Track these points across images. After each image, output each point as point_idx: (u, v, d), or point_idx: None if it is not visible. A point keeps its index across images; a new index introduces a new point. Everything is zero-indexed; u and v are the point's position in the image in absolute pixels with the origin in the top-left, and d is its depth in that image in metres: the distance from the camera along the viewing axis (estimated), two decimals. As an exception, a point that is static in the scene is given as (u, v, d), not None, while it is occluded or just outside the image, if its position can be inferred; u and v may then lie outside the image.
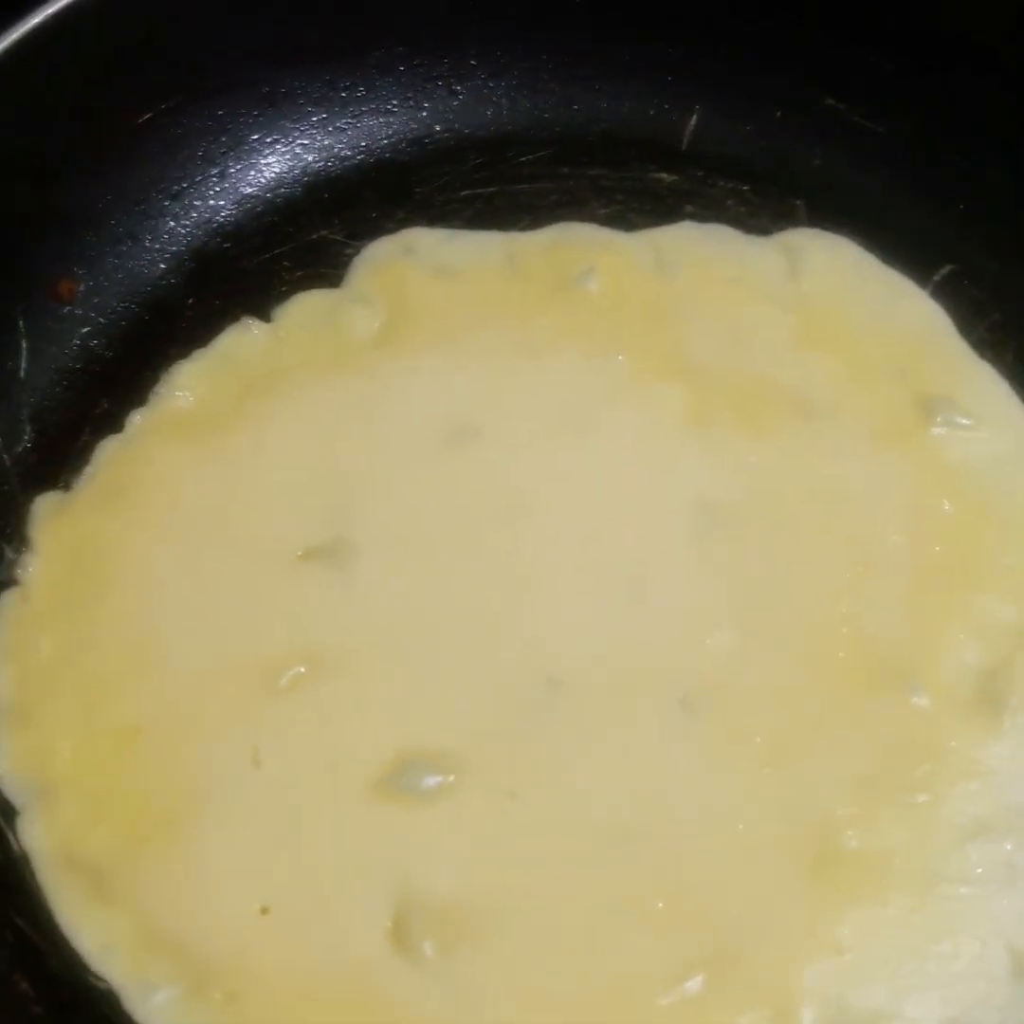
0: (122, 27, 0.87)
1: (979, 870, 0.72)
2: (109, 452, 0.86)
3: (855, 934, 0.70)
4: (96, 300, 0.91)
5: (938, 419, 0.85)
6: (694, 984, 0.70)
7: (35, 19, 0.83)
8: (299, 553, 0.81)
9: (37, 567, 0.82)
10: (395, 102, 0.98)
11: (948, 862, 0.72)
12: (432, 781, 0.74)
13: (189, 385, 0.88)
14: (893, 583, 0.80)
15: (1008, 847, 0.73)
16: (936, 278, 0.91)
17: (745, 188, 0.96)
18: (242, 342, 0.89)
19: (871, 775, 0.75)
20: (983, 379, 0.87)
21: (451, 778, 0.75)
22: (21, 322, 0.88)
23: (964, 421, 0.85)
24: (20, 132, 0.85)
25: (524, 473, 0.84)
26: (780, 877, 0.72)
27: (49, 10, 0.83)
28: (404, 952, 0.70)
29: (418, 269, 0.92)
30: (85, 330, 0.90)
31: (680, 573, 0.81)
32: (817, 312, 0.90)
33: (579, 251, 0.93)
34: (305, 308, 0.91)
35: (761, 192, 0.96)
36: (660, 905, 0.71)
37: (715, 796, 0.74)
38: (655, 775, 0.75)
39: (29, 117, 0.85)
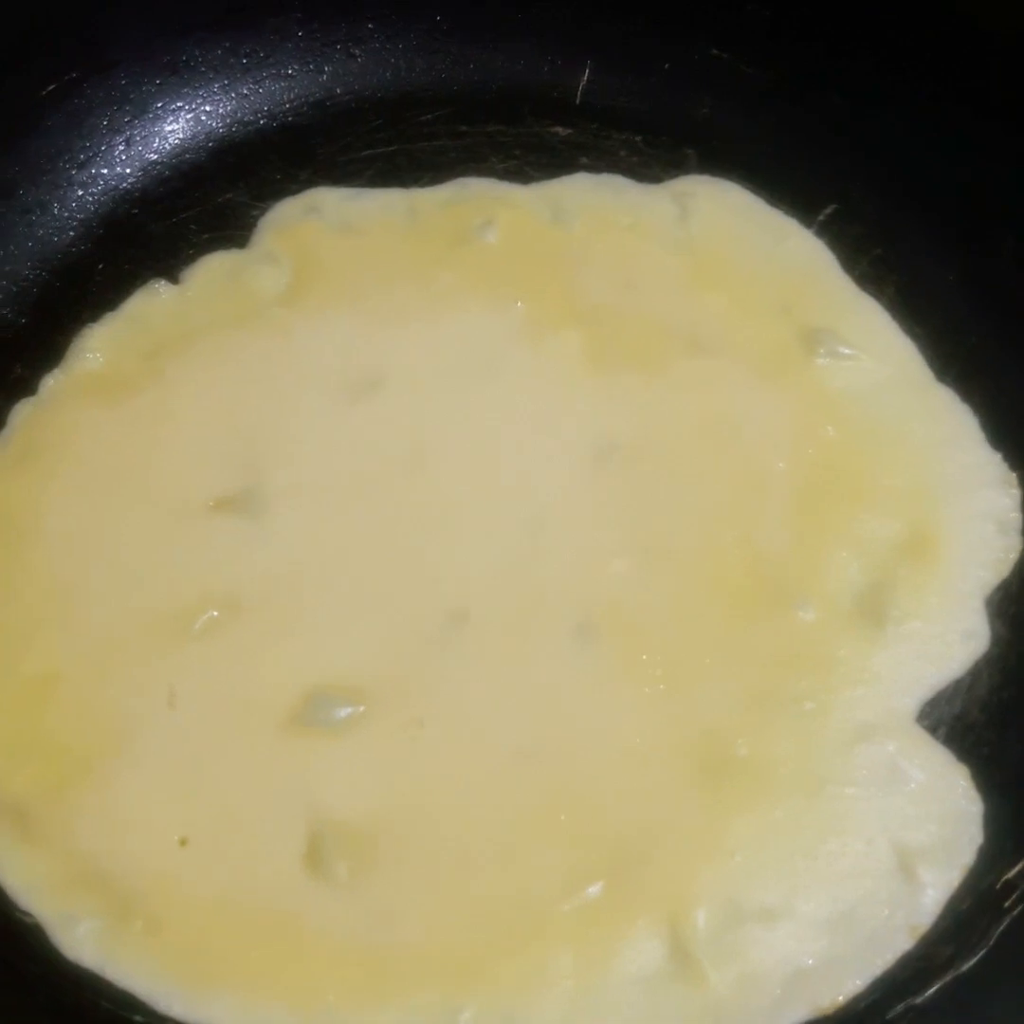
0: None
1: (864, 772, 0.76)
2: (23, 415, 0.88)
3: (746, 837, 0.74)
4: (7, 268, 0.93)
5: (821, 350, 0.88)
6: (594, 890, 0.73)
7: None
8: (211, 504, 0.84)
9: (-46, 526, 0.84)
10: (295, 67, 1.01)
11: (834, 766, 0.76)
12: (342, 713, 0.78)
13: (100, 347, 0.90)
14: (780, 506, 0.83)
15: (891, 749, 0.76)
16: (821, 218, 0.95)
17: (638, 139, 0.99)
18: (151, 304, 0.92)
19: (760, 687, 0.78)
20: (865, 311, 0.91)
21: (361, 709, 0.78)
22: (-68, 291, 0.91)
23: (846, 351, 0.88)
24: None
25: (428, 420, 0.87)
26: (673, 787, 0.76)
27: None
28: (319, 875, 0.74)
29: (322, 228, 0.95)
30: (-4, 297, 0.93)
31: (579, 508, 0.84)
32: (707, 254, 0.93)
33: (478, 205, 0.95)
34: (212, 269, 0.93)
35: (653, 142, 0.99)
36: (562, 818, 0.75)
37: (611, 714, 0.78)
38: (554, 698, 0.78)
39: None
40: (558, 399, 0.88)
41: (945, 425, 0.87)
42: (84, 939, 0.72)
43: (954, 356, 0.89)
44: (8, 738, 0.78)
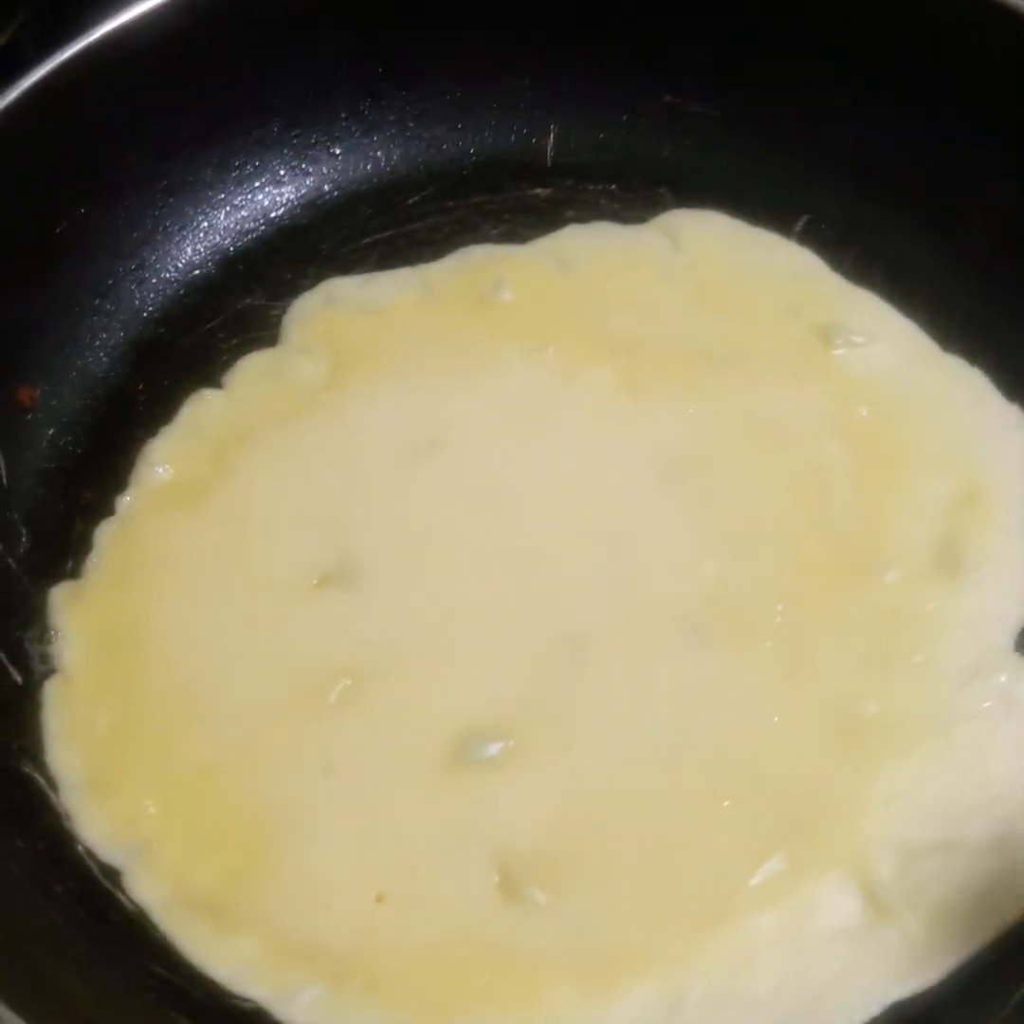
0: (26, 146, 0.92)
1: (986, 704, 0.82)
2: (108, 535, 0.90)
3: (899, 784, 0.79)
4: (54, 402, 0.95)
5: (837, 342, 0.96)
6: (776, 863, 0.77)
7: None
8: (314, 583, 0.87)
9: (70, 652, 0.85)
10: (283, 172, 1.06)
11: (958, 705, 0.82)
12: (494, 748, 0.81)
13: (166, 459, 0.93)
14: (841, 486, 0.90)
15: (1003, 679, 0.83)
16: (797, 228, 1.03)
17: (613, 187, 1.06)
18: (203, 410, 0.95)
19: (870, 649, 0.84)
20: (863, 301, 0.99)
21: (511, 742, 0.81)
22: (-8, 436, 0.93)
23: (859, 339, 0.96)
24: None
25: (492, 467, 0.92)
26: (821, 754, 0.81)
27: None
28: (516, 903, 0.76)
29: (346, 313, 0.99)
30: (51, 431, 0.94)
31: (658, 521, 0.89)
32: (707, 277, 1.01)
33: (485, 269, 1.01)
34: (252, 369, 0.97)
35: (628, 188, 1.06)
36: (726, 804, 0.79)
37: (745, 700, 0.82)
38: (687, 696, 0.83)
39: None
40: (609, 428, 0.94)
41: (962, 388, 0.95)
42: (308, 1008, 0.73)
43: (951, 327, 0.97)
44: (179, 839, 0.79)
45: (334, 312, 1.00)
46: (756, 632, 0.85)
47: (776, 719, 0.82)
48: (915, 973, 0.75)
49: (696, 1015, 0.73)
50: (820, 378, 0.95)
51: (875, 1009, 0.74)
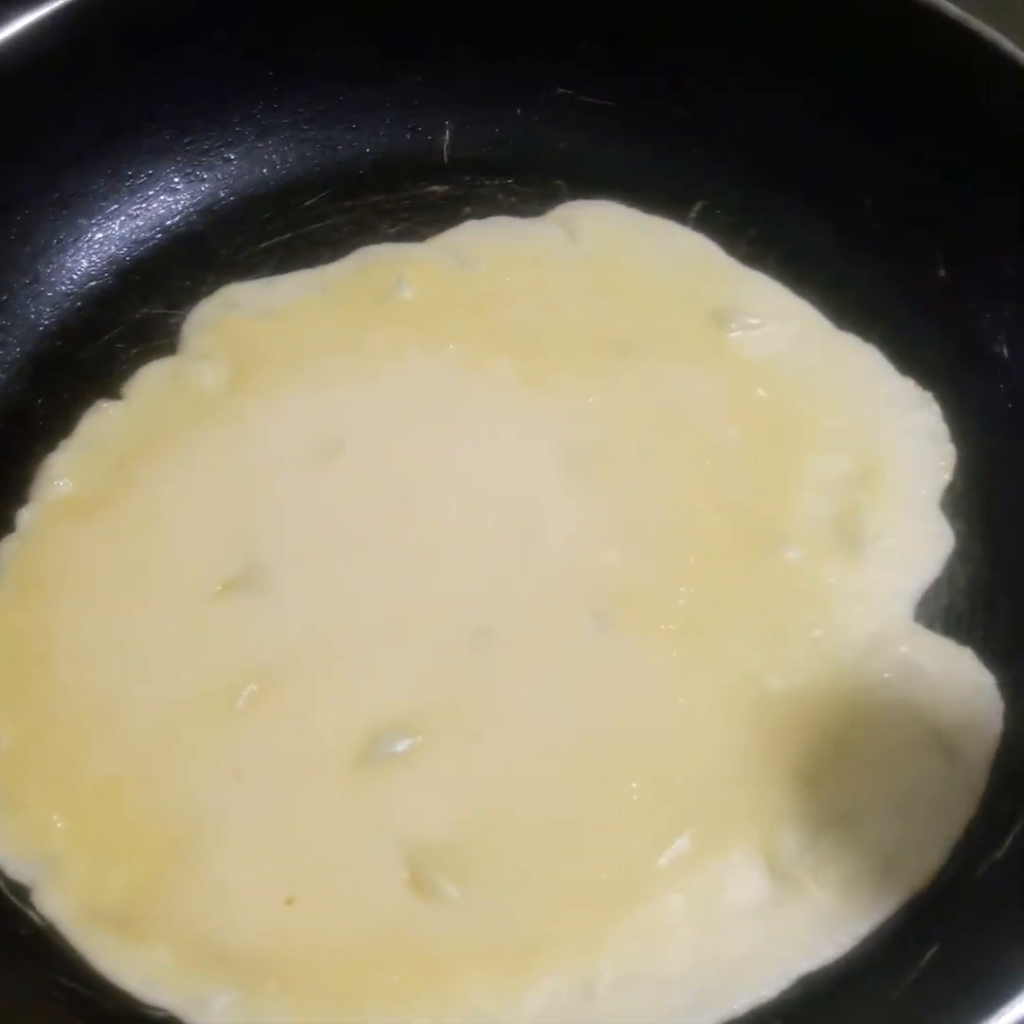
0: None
1: (886, 675, 0.83)
2: (8, 551, 0.89)
3: (802, 756, 0.80)
4: (-52, 421, 0.95)
5: (732, 325, 0.97)
6: (683, 842, 0.78)
7: None
8: (218, 589, 0.87)
9: (-29, 672, 0.85)
10: (177, 179, 1.06)
11: (859, 677, 0.83)
12: (403, 745, 0.81)
13: (65, 473, 0.92)
14: (740, 467, 0.91)
15: (904, 649, 0.84)
16: (692, 215, 1.04)
17: (509, 181, 1.07)
18: (103, 422, 0.95)
19: (771, 626, 0.85)
20: (757, 284, 0.99)
21: (419, 738, 0.81)
22: None
23: (753, 321, 0.97)
24: None
25: (398, 465, 0.92)
26: (724, 732, 0.81)
27: None
28: (428, 896, 0.76)
29: (245, 318, 0.99)
30: (-52, 448, 0.94)
31: (561, 509, 0.89)
32: (604, 267, 1.01)
33: (385, 267, 1.01)
34: (151, 378, 0.97)
35: (524, 182, 1.06)
36: (634, 785, 0.79)
37: (650, 683, 0.83)
38: (593, 682, 0.83)
39: None
40: (510, 421, 0.94)
41: (857, 365, 0.96)
42: (221, 1014, 0.73)
43: (844, 306, 0.98)
44: (88, 851, 0.78)
45: (233, 317, 0.99)
46: (660, 615, 0.85)
47: (682, 700, 0.82)
48: (825, 944, 0.76)
49: (609, 997, 0.74)
50: (716, 361, 0.96)
51: (785, 982, 0.75)
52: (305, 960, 0.75)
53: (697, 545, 0.88)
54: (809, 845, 0.77)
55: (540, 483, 0.91)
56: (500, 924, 0.76)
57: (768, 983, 0.75)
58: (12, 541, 0.90)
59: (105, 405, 0.95)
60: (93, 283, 1.03)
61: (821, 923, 0.76)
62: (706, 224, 1.03)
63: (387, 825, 0.79)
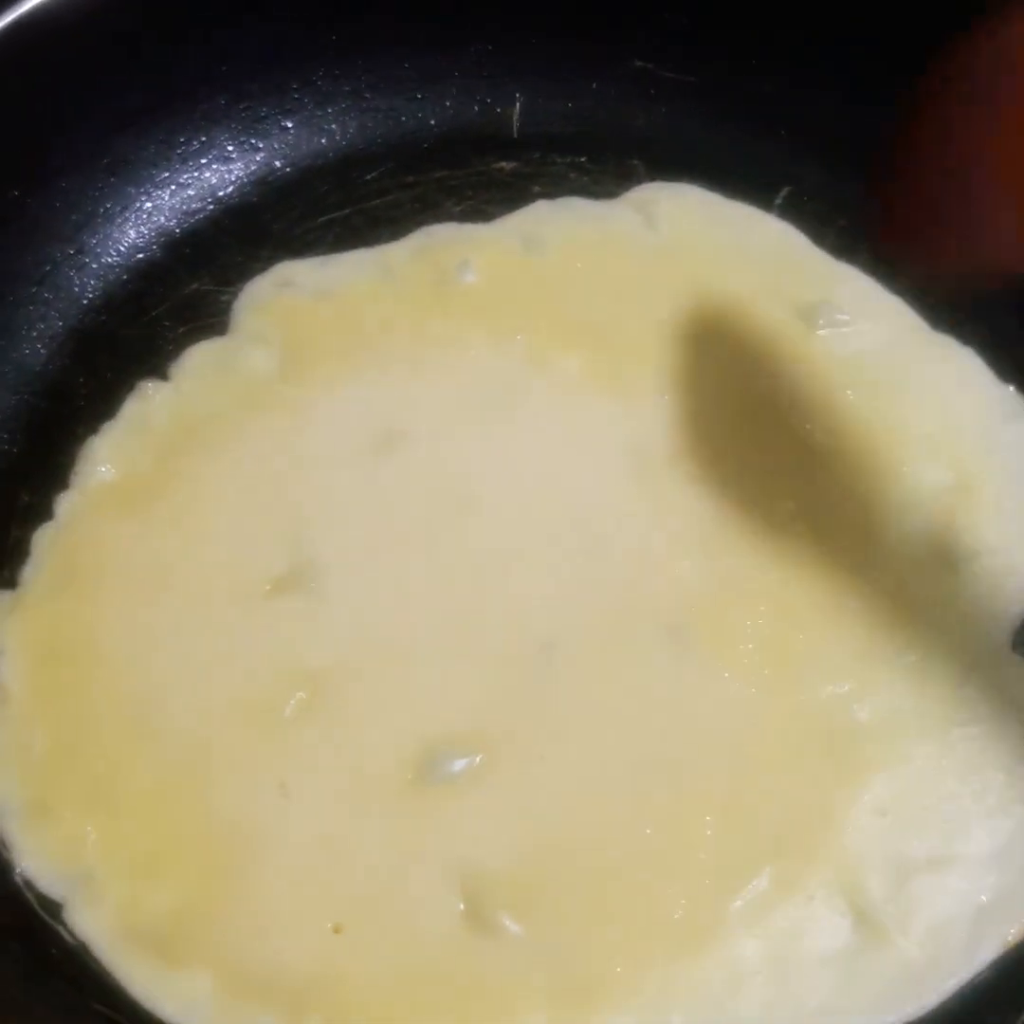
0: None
1: (981, 707, 0.77)
2: (47, 540, 0.84)
3: (892, 794, 0.75)
4: (-13, 399, 0.90)
5: (820, 322, 0.91)
6: (761, 881, 0.73)
7: None
8: (267, 588, 0.82)
9: (5, 667, 0.80)
10: (231, 147, 1.00)
11: (953, 708, 0.77)
12: (461, 764, 0.76)
13: (108, 458, 0.87)
14: (832, 476, 0.85)
15: (1000, 679, 0.78)
16: (778, 201, 0.98)
17: (582, 159, 1.01)
18: (148, 405, 0.89)
19: (859, 650, 0.79)
20: (848, 278, 0.93)
21: (479, 758, 0.76)
22: (-80, 437, 0.87)
23: (843, 318, 0.91)
24: None
25: (458, 462, 0.86)
26: (808, 764, 0.76)
27: None
28: (484, 931, 0.72)
29: (300, 298, 0.93)
30: (-16, 432, 0.89)
31: (632, 516, 0.84)
32: (683, 256, 0.95)
33: (448, 249, 0.95)
34: (200, 360, 0.91)
35: (598, 160, 1.00)
36: (708, 818, 0.74)
37: (726, 708, 0.78)
38: (666, 703, 0.78)
39: None
40: (580, 418, 0.88)
41: (954, 369, 0.90)
42: (262, 1045, 0.69)
43: (940, 305, 0.92)
44: (125, 867, 0.74)
45: (288, 297, 0.94)
46: (738, 634, 0.80)
47: (760, 726, 0.77)
48: (908, 999, 0.71)
49: (678, 1046, 0.69)
50: (804, 359, 0.90)
51: (868, 1037, 0.70)
52: (351, 993, 0.70)
53: (779, 558, 0.82)
54: (895, 890, 0.72)
55: (609, 488, 0.85)
56: (562, 963, 0.71)
57: (848, 1038, 0.70)
58: (50, 529, 0.85)
59: (150, 387, 0.90)
60: (141, 256, 0.97)
61: (904, 976, 0.71)
62: (792, 212, 0.97)
63: (441, 851, 0.74)
